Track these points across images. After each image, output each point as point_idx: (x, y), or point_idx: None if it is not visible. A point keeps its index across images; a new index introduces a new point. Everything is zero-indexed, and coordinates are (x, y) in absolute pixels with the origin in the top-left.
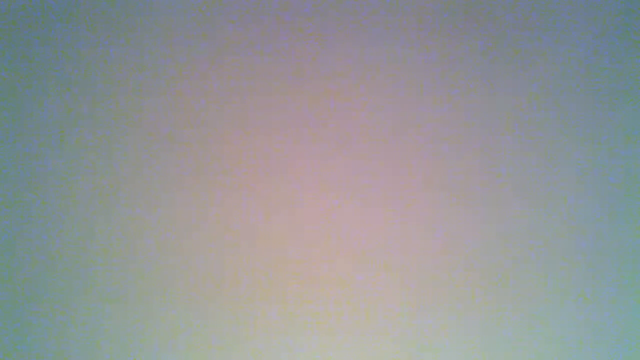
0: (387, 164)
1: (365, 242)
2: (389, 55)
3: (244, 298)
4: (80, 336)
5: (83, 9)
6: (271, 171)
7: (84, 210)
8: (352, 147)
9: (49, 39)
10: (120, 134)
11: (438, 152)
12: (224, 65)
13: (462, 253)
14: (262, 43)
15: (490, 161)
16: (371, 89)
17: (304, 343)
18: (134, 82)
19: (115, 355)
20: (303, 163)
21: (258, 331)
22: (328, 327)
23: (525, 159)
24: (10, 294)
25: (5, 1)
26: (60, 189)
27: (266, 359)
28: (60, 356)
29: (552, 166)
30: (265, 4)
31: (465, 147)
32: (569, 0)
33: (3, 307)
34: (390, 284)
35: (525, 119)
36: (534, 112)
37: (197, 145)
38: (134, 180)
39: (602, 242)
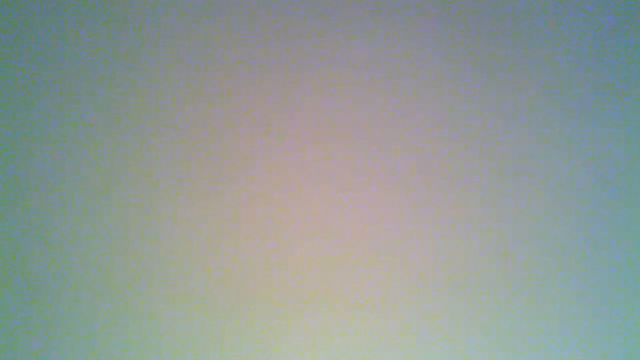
0: (386, 160)
1: (365, 239)
2: (388, 52)
3: (243, 297)
4: (80, 336)
5: (80, 6)
6: (271, 169)
7: (83, 210)
8: (354, 144)
9: (48, 37)
10: (118, 134)
11: (438, 148)
12: (222, 62)
13: (462, 250)
14: (260, 39)
15: (491, 158)
16: (371, 86)
17: (303, 343)
18: (132, 82)
19: (114, 354)
20: (301, 160)
21: (257, 330)
22: (327, 326)
23: (527, 156)
24: (10, 294)
25: (6, 1)
26: (59, 188)
27: (265, 358)
28: (60, 355)
29: (553, 163)
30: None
31: (465, 144)
32: None
33: (3, 307)
34: (389, 281)
35: (527, 116)
36: (535, 108)
37: (196, 143)
38: (132, 180)
39: (604, 238)
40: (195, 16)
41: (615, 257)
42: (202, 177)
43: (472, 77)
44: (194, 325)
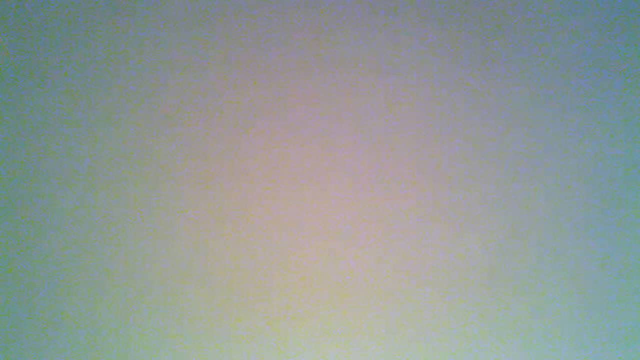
0: (385, 160)
1: (364, 240)
2: (387, 53)
3: (243, 298)
4: (81, 336)
5: (84, 4)
6: (271, 170)
7: (85, 210)
8: (353, 144)
9: (50, 38)
10: (120, 134)
11: (437, 148)
12: (225, 63)
13: (462, 251)
14: (263, 40)
15: (491, 157)
16: (370, 85)
17: (301, 343)
18: (133, 82)
19: (115, 355)
20: (301, 160)
21: (257, 331)
22: (325, 327)
23: (526, 156)
24: (12, 294)
25: (6, 1)
26: (59, 188)
27: (264, 358)
28: (61, 355)
29: (552, 160)
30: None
31: (465, 143)
32: None
33: (4, 307)
34: (389, 281)
35: (527, 116)
36: (534, 105)
37: (198, 144)
38: (133, 180)
39: (603, 237)
40: (194, 16)
41: (616, 258)
42: (203, 178)
43: (471, 78)
44: (194, 325)
